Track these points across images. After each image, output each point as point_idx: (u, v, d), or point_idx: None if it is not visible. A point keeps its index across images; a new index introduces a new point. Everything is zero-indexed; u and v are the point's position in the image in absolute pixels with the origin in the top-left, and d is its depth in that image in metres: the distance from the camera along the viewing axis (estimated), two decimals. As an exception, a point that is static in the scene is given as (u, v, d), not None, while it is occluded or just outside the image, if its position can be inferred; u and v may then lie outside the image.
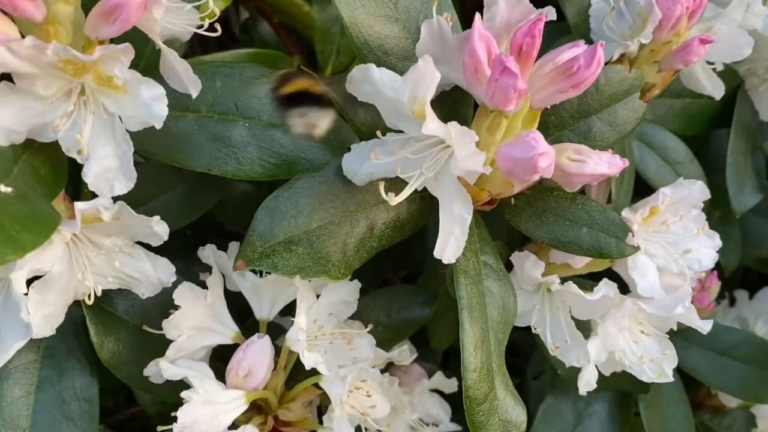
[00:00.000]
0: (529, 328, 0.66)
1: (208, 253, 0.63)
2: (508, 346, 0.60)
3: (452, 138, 0.47)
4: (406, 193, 0.51)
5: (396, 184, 0.55)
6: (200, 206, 0.67)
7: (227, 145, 0.58)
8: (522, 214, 0.59)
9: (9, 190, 0.45)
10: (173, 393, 0.61)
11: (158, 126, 0.49)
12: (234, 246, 0.66)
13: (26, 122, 0.49)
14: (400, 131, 0.53)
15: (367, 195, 0.58)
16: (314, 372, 0.60)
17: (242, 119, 0.59)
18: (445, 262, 0.52)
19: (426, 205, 0.60)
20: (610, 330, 0.61)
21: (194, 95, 0.55)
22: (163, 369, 0.58)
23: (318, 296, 0.62)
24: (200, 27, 0.57)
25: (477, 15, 0.50)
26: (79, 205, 0.49)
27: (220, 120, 0.59)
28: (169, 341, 0.61)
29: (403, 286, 0.92)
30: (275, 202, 0.56)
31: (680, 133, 0.81)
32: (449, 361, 1.00)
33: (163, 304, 0.62)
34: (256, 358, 0.61)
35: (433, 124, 0.46)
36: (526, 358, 1.01)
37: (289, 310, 0.68)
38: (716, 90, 0.74)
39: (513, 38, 0.51)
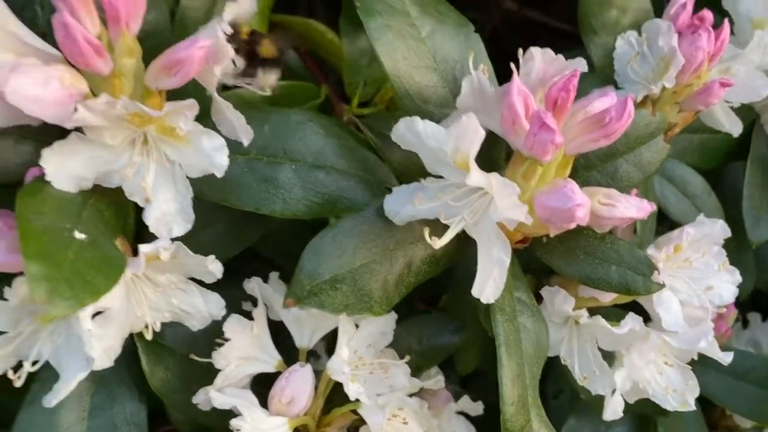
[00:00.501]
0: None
1: (253, 285, 0.66)
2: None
3: (494, 189, 0.51)
4: (448, 237, 0.54)
5: (434, 222, 0.58)
6: (244, 240, 0.70)
7: (275, 186, 0.62)
8: (553, 252, 0.62)
9: (83, 236, 0.49)
10: (214, 417, 0.64)
11: (219, 175, 0.53)
12: (274, 276, 0.69)
13: (94, 169, 0.53)
14: (440, 176, 0.56)
15: (406, 233, 0.62)
16: (352, 397, 0.64)
17: (289, 162, 0.63)
18: (483, 301, 0.55)
19: (460, 241, 0.63)
20: (636, 362, 0.64)
21: (246, 144, 0.58)
22: (213, 398, 0.61)
23: (357, 327, 0.65)
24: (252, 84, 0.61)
25: (515, 71, 0.53)
26: (143, 248, 0.53)
27: (268, 163, 0.62)
28: (213, 368, 0.65)
29: (427, 310, 0.96)
30: (321, 242, 0.59)
31: (697, 167, 0.84)
32: (470, 382, 1.03)
33: (208, 332, 0.66)
34: (298, 385, 0.64)
35: (477, 176, 0.50)
36: (544, 378, 1.04)
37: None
38: (734, 128, 0.77)
39: (549, 92, 0.54)
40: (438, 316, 0.77)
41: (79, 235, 0.49)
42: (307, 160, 0.64)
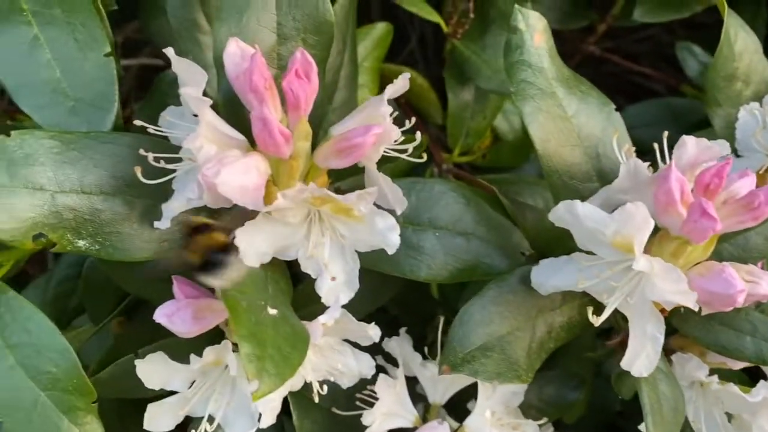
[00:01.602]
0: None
1: (393, 345, 0.70)
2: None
3: (656, 273, 0.53)
4: (606, 314, 0.57)
5: (576, 293, 0.62)
6: (381, 299, 0.73)
7: (420, 253, 0.65)
8: (689, 321, 0.64)
9: (275, 311, 0.53)
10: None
11: (391, 252, 0.56)
12: (403, 332, 0.73)
13: (275, 245, 0.57)
14: (591, 252, 0.59)
15: (546, 301, 0.65)
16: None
17: (432, 229, 0.66)
18: (634, 374, 0.58)
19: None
20: (766, 428, 0.66)
21: (399, 213, 0.62)
22: (362, 453, 0.65)
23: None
24: (404, 152, 0.64)
25: (673, 160, 0.56)
26: (321, 319, 0.57)
27: (414, 231, 0.66)
28: (351, 421, 0.68)
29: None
30: (470, 311, 0.63)
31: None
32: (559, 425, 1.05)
33: (349, 388, 0.69)
34: (437, 442, 0.67)
35: (643, 262, 0.53)
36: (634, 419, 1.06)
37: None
38: None
39: (701, 176, 0.57)
40: (557, 374, 0.80)
41: (272, 311, 0.53)
42: (449, 227, 0.67)
